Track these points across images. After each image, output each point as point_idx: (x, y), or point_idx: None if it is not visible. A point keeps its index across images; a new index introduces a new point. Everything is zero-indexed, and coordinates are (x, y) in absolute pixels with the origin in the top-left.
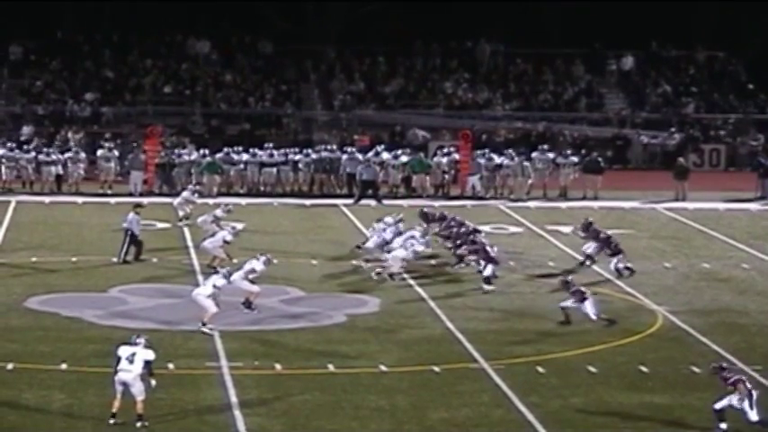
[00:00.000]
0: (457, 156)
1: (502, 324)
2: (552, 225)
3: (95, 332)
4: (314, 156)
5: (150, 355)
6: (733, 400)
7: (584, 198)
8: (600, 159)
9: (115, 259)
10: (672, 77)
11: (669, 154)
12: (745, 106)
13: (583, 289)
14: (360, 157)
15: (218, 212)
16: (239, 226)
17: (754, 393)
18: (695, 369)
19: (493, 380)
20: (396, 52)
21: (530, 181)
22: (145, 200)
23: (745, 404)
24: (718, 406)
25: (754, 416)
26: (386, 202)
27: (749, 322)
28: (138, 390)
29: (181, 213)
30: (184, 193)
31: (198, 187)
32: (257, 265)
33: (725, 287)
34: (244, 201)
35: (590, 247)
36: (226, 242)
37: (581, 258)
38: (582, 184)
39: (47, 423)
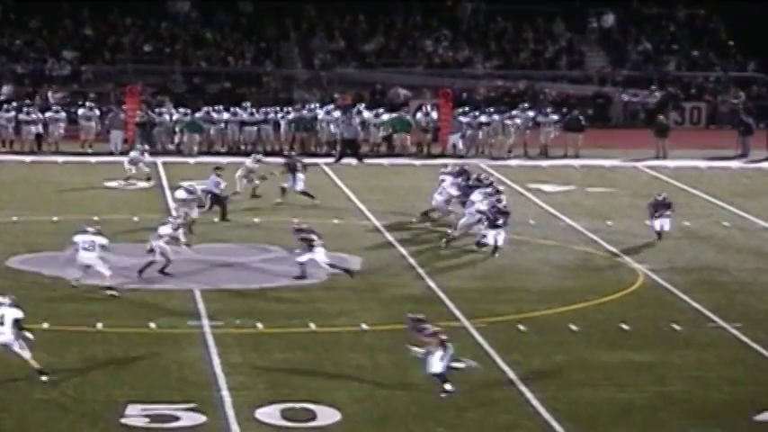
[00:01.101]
0: (435, 114)
1: (483, 283)
2: (533, 183)
3: (76, 291)
4: (294, 114)
5: (18, 313)
6: (433, 354)
7: (564, 156)
8: (581, 117)
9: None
10: (652, 35)
11: (650, 112)
12: (726, 64)
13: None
14: (338, 115)
15: (249, 163)
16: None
17: (450, 347)
18: (676, 327)
19: (474, 338)
20: (376, 10)
21: (510, 140)
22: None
23: (435, 356)
24: (434, 370)
25: (436, 367)
26: (367, 161)
27: (729, 280)
28: (18, 349)
29: (128, 173)
30: (132, 153)
31: (146, 147)
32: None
33: (705, 245)
34: (225, 159)
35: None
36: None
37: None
38: (563, 143)
39: (29, 382)
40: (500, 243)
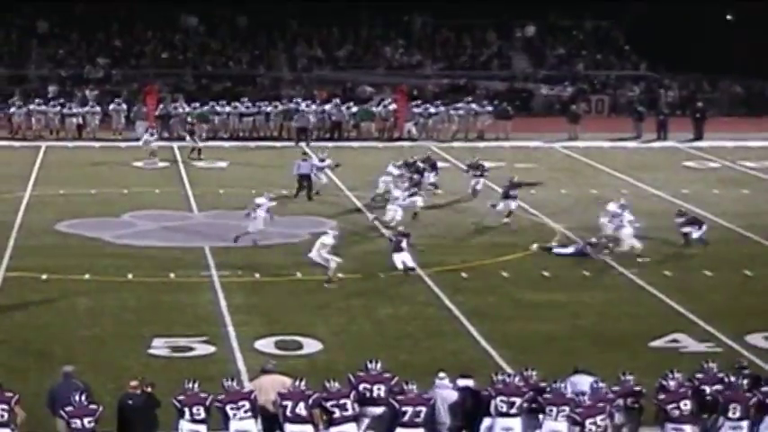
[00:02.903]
0: (393, 106)
1: (433, 239)
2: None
3: (112, 249)
4: (282, 108)
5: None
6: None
7: (496, 139)
8: (509, 108)
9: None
10: (565, 42)
11: (564, 103)
12: (623, 64)
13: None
14: (303, 107)
15: (315, 161)
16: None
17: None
18: (586, 273)
19: (427, 283)
20: (346, 23)
21: (454, 126)
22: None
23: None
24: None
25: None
26: (342, 143)
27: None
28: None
29: (149, 149)
30: (145, 136)
31: (152, 129)
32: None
33: None
34: (227, 144)
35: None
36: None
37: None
38: (495, 129)
39: (75, 321)
40: (410, 264)
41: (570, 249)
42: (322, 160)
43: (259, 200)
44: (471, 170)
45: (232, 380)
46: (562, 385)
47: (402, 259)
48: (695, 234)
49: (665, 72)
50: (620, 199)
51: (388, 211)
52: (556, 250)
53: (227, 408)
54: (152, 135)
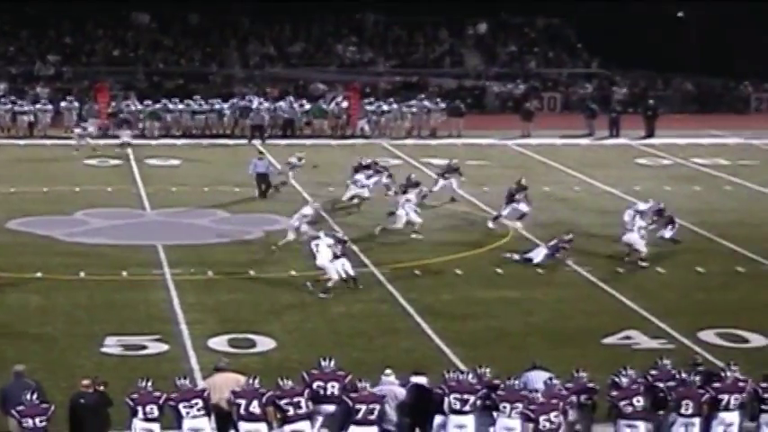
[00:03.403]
0: (345, 104)
1: (387, 237)
2: (425, 158)
3: (63, 247)
4: (234, 105)
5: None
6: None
7: (449, 136)
8: (461, 105)
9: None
10: (517, 40)
11: (516, 100)
12: (575, 62)
13: None
14: (257, 105)
15: (293, 160)
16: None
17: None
18: (539, 270)
19: (380, 281)
20: (298, 21)
21: (407, 124)
22: (101, 141)
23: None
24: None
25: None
26: (295, 141)
27: (580, 232)
28: None
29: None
30: (76, 130)
31: (84, 125)
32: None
33: (561, 205)
34: (179, 141)
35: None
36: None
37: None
38: (447, 126)
39: (26, 320)
40: (350, 273)
41: (541, 257)
42: (300, 159)
43: (305, 210)
44: (447, 173)
45: (185, 378)
46: (516, 382)
47: (341, 266)
48: (667, 234)
49: (616, 70)
50: (648, 200)
51: (398, 218)
52: (528, 256)
53: (180, 406)
54: (85, 129)
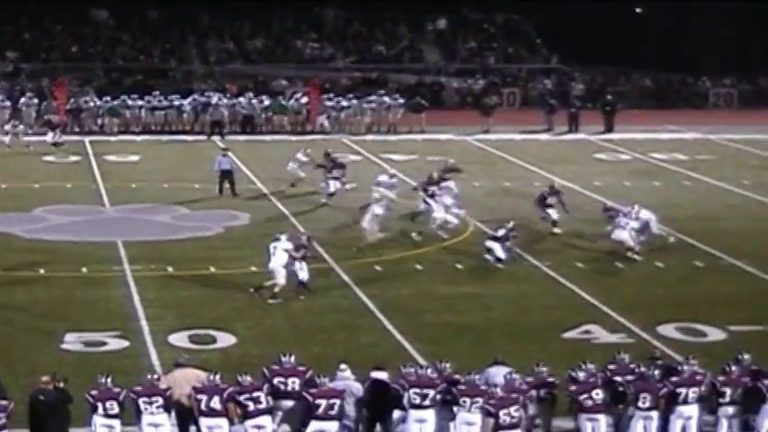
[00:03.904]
0: (305, 100)
1: (347, 232)
2: (384, 154)
3: (23, 244)
4: (194, 101)
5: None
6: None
7: (409, 132)
8: (422, 101)
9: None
10: (476, 35)
11: (475, 96)
12: (535, 58)
13: None
14: (217, 101)
15: (300, 156)
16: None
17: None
18: (499, 265)
19: (341, 277)
20: (257, 16)
21: (367, 119)
22: (63, 138)
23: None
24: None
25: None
26: (254, 137)
27: (541, 227)
28: None
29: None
30: (6, 126)
31: (16, 122)
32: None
33: (521, 201)
34: (139, 138)
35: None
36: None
37: (413, 183)
38: (408, 122)
39: None
40: (304, 279)
41: (501, 251)
42: (307, 155)
43: (376, 209)
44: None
45: (156, 379)
46: (477, 377)
47: (299, 270)
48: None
49: (575, 65)
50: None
51: (437, 219)
52: (497, 256)
53: (140, 401)
54: (14, 127)
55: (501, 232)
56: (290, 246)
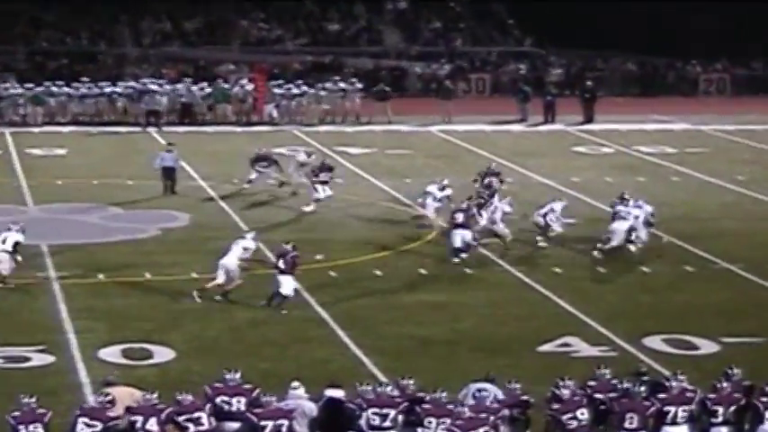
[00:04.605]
0: (251, 86)
1: (298, 235)
2: (340, 147)
3: None
4: (127, 89)
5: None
6: None
7: (368, 123)
8: (387, 88)
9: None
10: (441, 15)
11: (441, 82)
12: (506, 40)
13: None
14: (154, 88)
15: (301, 158)
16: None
17: None
18: (468, 270)
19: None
20: None
21: (320, 108)
22: None
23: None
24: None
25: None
26: (195, 128)
27: (513, 229)
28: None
29: None
30: None
31: None
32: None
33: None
34: (66, 129)
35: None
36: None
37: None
38: (369, 110)
39: None
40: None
41: (459, 240)
42: (309, 155)
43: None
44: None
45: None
46: (464, 392)
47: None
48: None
49: (551, 48)
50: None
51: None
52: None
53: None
54: None
55: (460, 216)
56: (252, 245)
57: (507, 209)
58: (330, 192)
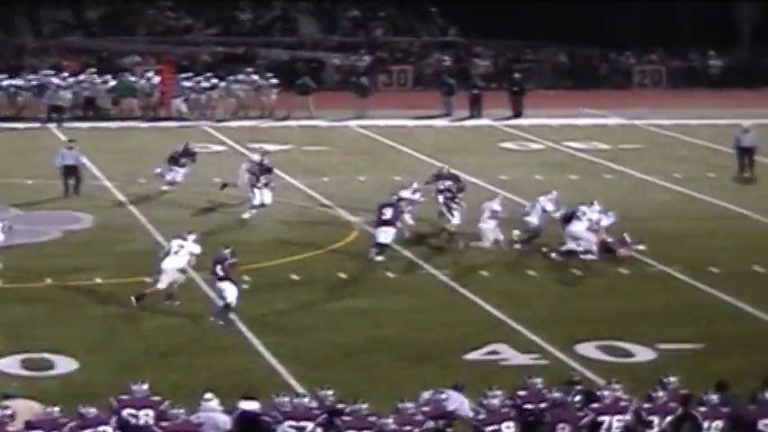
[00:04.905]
0: (157, 79)
1: (208, 237)
2: (254, 143)
3: None
4: (26, 82)
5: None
6: None
7: (286, 118)
8: (309, 82)
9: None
10: (360, 3)
11: (360, 75)
12: (429, 30)
13: None
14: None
15: (256, 158)
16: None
17: None
18: (390, 274)
19: (202, 290)
20: None
21: (232, 102)
22: None
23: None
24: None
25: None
26: (98, 124)
27: (436, 230)
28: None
29: None
30: None
31: None
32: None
33: None
34: None
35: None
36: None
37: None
38: (289, 105)
39: None
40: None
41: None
42: (263, 155)
43: (404, 192)
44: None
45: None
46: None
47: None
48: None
49: (477, 39)
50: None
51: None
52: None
53: None
54: None
55: (388, 212)
56: (197, 250)
57: (496, 207)
58: (270, 197)
